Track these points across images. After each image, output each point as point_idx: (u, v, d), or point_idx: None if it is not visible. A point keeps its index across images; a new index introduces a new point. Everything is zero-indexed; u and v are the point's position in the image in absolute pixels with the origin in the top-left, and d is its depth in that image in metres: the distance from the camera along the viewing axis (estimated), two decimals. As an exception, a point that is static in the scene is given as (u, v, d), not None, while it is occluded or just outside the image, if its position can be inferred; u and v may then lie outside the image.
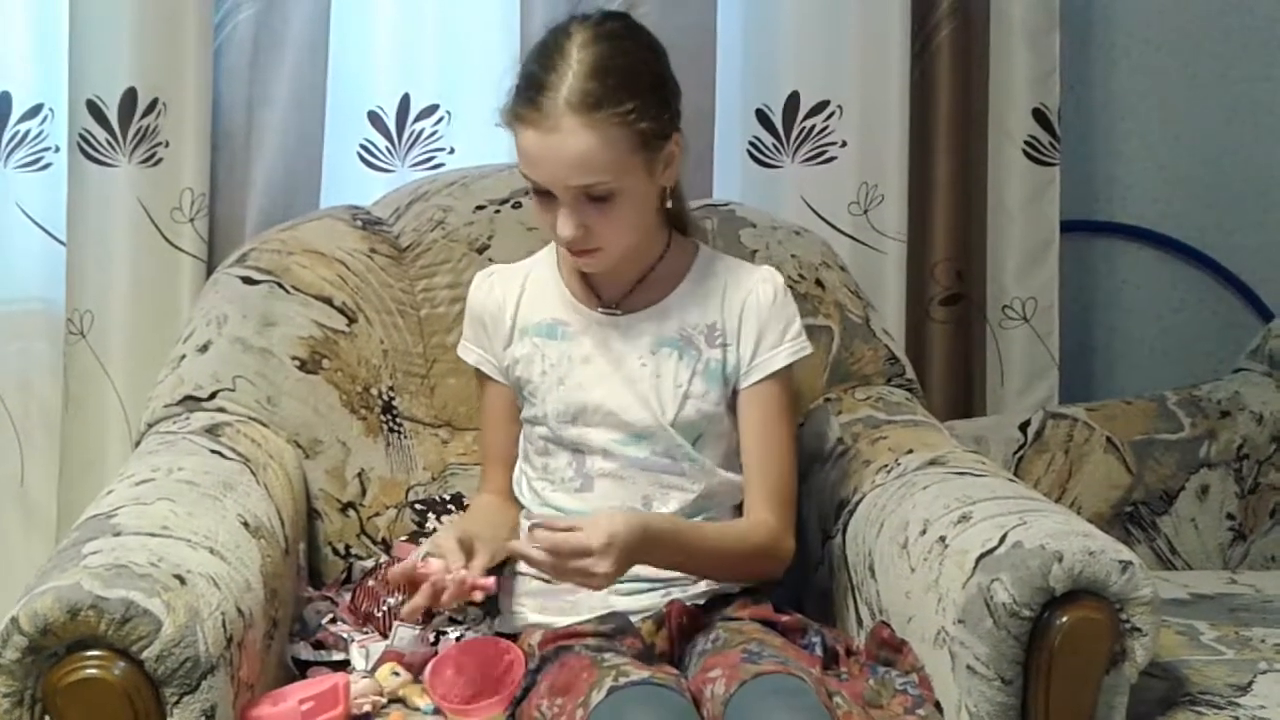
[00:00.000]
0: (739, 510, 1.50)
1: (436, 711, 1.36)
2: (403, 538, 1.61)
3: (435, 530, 1.57)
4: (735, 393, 1.48)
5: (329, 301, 1.66)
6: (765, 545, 1.46)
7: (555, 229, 1.38)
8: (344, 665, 1.45)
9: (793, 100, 1.93)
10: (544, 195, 1.38)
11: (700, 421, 1.46)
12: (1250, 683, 1.48)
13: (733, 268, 1.51)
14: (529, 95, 1.36)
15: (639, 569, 1.43)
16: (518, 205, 1.72)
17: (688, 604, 1.43)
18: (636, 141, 1.35)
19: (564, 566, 1.30)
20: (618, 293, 1.48)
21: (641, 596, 1.44)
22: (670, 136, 1.39)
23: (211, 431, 1.54)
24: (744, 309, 1.47)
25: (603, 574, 1.30)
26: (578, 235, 1.37)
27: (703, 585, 1.46)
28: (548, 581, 1.45)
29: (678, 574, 1.45)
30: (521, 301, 1.49)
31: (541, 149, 1.35)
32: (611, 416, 1.45)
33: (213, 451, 1.49)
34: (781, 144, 1.94)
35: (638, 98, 1.35)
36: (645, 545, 1.34)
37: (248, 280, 1.66)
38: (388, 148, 1.89)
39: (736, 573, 1.46)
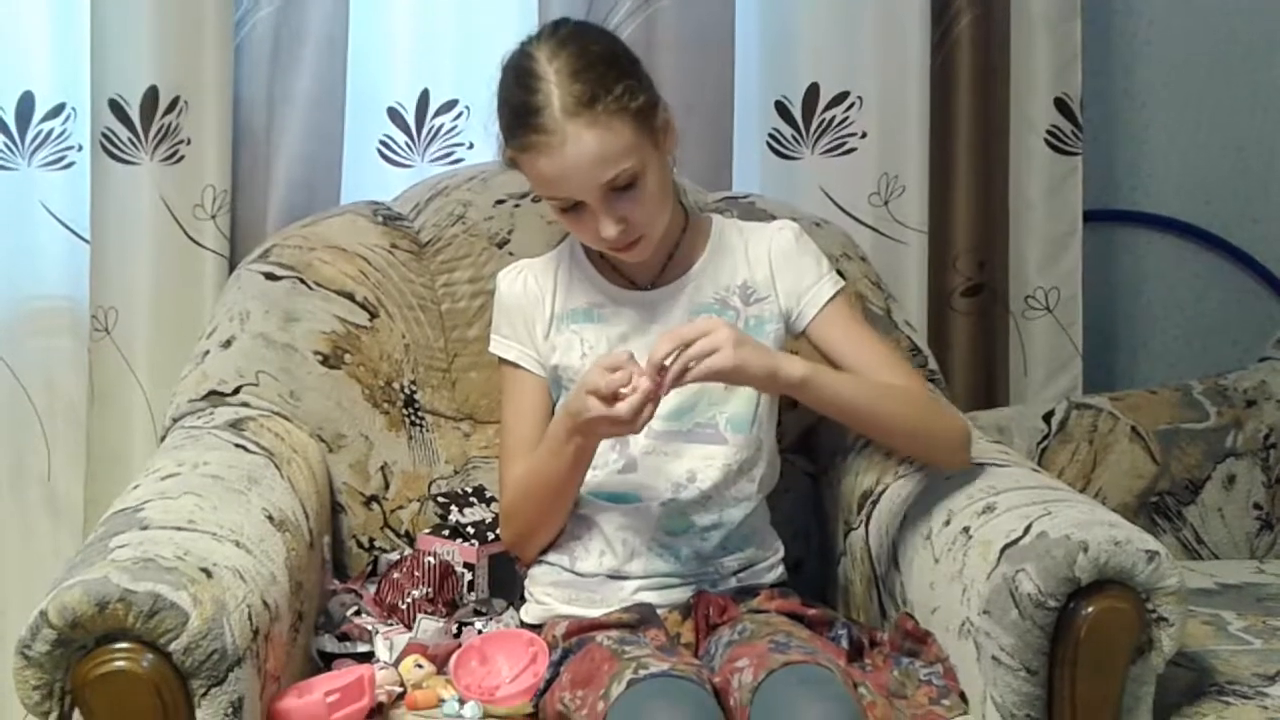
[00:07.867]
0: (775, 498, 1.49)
1: (461, 702, 1.36)
2: (426, 530, 1.61)
3: (458, 523, 1.57)
4: (796, 340, 1.48)
5: (350, 297, 1.67)
6: (935, 402, 1.40)
7: (597, 235, 1.39)
8: (369, 657, 1.45)
9: (812, 91, 1.92)
10: (572, 210, 1.39)
11: None
12: (1278, 673, 1.47)
13: (747, 227, 1.54)
14: (524, 123, 1.36)
15: (669, 565, 1.44)
16: (537, 199, 1.72)
17: (715, 595, 1.43)
18: (638, 120, 1.37)
19: (689, 349, 1.28)
20: (650, 273, 1.49)
21: (672, 591, 1.44)
22: (659, 104, 1.41)
23: (235, 426, 1.54)
24: (771, 258, 1.49)
25: (725, 336, 1.28)
26: (620, 230, 1.38)
27: (733, 581, 1.46)
28: (577, 574, 1.45)
29: (707, 570, 1.45)
30: (557, 291, 1.50)
31: (557, 166, 1.35)
32: None
33: (237, 446, 1.50)
34: (801, 135, 1.93)
35: (623, 78, 1.36)
36: (757, 344, 1.33)
37: (270, 276, 1.67)
38: (407, 143, 1.90)
39: (909, 415, 1.40)
